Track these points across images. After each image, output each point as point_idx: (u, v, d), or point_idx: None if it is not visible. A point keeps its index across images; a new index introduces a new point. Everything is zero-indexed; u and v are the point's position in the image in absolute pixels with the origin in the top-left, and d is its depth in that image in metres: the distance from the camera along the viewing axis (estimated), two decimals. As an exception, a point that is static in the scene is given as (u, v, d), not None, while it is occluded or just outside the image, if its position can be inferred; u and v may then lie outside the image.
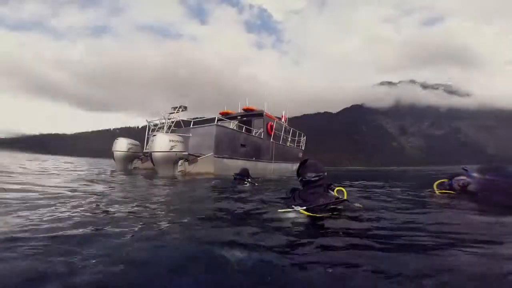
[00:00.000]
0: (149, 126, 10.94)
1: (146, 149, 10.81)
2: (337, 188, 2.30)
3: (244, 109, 13.47)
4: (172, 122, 10.34)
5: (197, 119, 9.97)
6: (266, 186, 4.96)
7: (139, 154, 11.15)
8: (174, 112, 10.81)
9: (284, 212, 1.97)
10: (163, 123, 10.67)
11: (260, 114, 12.79)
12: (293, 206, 2.00)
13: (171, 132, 9.63)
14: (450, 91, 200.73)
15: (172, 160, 7.91)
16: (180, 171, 7.95)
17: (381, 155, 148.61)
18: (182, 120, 10.67)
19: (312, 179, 2.23)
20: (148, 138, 10.82)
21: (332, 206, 2.03)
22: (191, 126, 10.03)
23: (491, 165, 2.70)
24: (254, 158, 11.13)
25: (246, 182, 4.64)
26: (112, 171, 8.75)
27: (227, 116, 13.49)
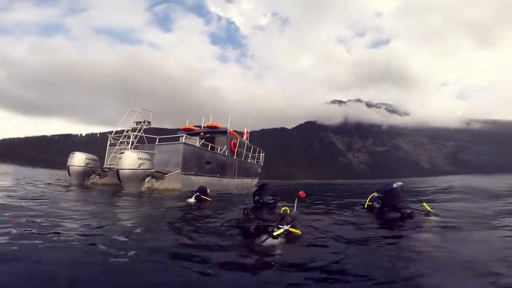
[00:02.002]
0: (110, 140, 10.70)
1: (106, 164, 10.51)
2: (283, 208, 2.67)
3: (208, 126, 13.88)
4: (136, 137, 10.31)
5: (163, 137, 10.17)
6: (215, 205, 5.17)
7: (97, 169, 10.73)
8: (137, 127, 10.78)
9: (278, 233, 2.13)
10: (125, 137, 10.56)
11: (224, 132, 13.36)
12: (279, 226, 2.20)
13: (134, 148, 9.62)
14: (391, 110, 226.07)
15: (139, 177, 7.98)
16: (147, 187, 8.04)
17: (332, 169, 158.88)
18: (146, 136, 10.71)
19: (269, 201, 2.44)
20: (109, 153, 10.56)
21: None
22: (157, 143, 10.15)
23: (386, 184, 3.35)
24: (218, 175, 11.58)
25: (193, 197, 5.14)
26: (66, 186, 8.40)
27: (189, 132, 13.71)
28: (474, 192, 7.46)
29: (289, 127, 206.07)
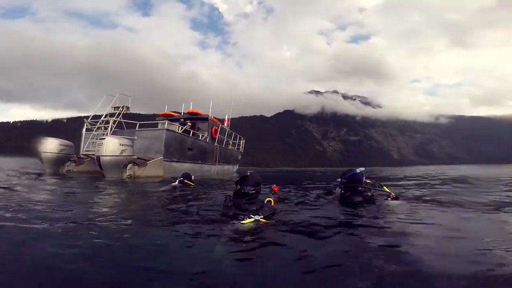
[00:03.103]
0: (86, 125, 10.27)
1: (83, 150, 10.13)
2: (267, 199, 2.69)
3: (188, 112, 13.73)
4: (114, 122, 9.99)
5: (143, 123, 9.98)
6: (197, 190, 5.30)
7: (72, 155, 10.30)
8: (115, 112, 10.42)
9: (247, 222, 2.18)
10: (103, 122, 10.20)
11: (205, 118, 13.32)
12: (251, 216, 2.25)
13: (112, 134, 9.36)
14: (365, 102, 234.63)
15: (121, 164, 7.84)
16: (129, 175, 7.94)
17: (307, 156, 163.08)
18: (125, 122, 10.43)
19: (250, 192, 2.47)
20: (85, 139, 10.16)
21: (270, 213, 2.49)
22: (137, 128, 9.94)
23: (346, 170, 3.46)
24: (200, 161, 11.65)
25: (176, 182, 5.32)
26: (39, 175, 8.03)
27: (169, 118, 13.48)
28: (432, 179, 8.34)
29: (268, 115, 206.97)
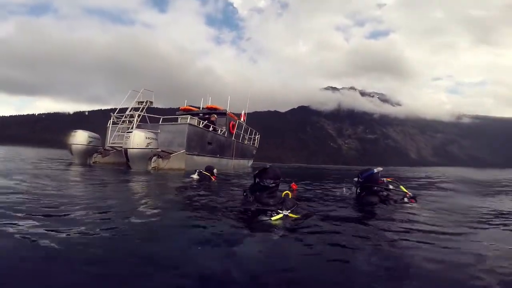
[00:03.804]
0: (112, 119, 10.79)
1: (109, 143, 10.65)
2: (284, 192, 2.63)
3: (207, 107, 14.06)
4: (139, 116, 10.43)
5: (166, 117, 10.39)
6: (220, 184, 5.53)
7: (99, 147, 10.86)
8: (139, 107, 10.87)
9: (276, 218, 2.16)
10: (127, 116, 10.66)
11: (223, 113, 13.59)
12: (278, 211, 2.24)
13: (136, 128, 9.79)
14: (384, 99, 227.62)
15: (147, 157, 8.24)
16: (153, 167, 8.33)
17: (322, 154, 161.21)
18: (148, 116, 10.87)
19: (270, 185, 2.42)
20: (112, 132, 10.67)
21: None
22: (160, 122, 10.35)
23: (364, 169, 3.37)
24: (218, 155, 11.96)
25: (196, 174, 5.57)
26: (69, 165, 8.57)
27: (190, 112, 13.85)
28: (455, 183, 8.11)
29: (283, 110, 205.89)
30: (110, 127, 10.83)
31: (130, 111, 10.62)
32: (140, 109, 10.68)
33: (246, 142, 16.55)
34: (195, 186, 4.92)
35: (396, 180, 3.71)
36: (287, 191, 2.68)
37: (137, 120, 10.22)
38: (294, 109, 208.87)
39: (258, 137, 18.88)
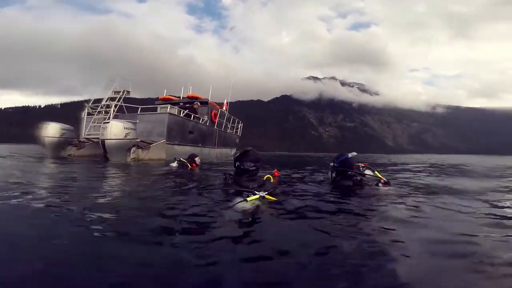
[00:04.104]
0: (87, 110, 10.30)
1: (84, 134, 10.21)
2: (266, 176, 2.64)
3: (188, 97, 13.76)
4: (115, 106, 10.03)
5: (145, 106, 10.05)
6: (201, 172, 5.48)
7: (73, 139, 10.37)
8: (116, 97, 10.43)
9: (252, 199, 2.05)
10: (103, 106, 10.23)
11: (205, 102, 13.37)
12: (255, 192, 2.14)
13: (114, 118, 9.43)
14: (363, 89, 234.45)
15: (125, 147, 7.97)
16: (132, 158, 8.09)
17: (303, 142, 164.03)
18: (126, 106, 10.49)
19: (250, 168, 2.40)
20: (87, 123, 10.21)
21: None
22: (138, 112, 10.01)
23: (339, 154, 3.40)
24: (200, 144, 11.82)
25: (175, 162, 5.61)
26: (40, 159, 8.13)
27: (170, 102, 13.48)
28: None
29: (266, 99, 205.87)
30: (85, 118, 10.35)
31: (106, 101, 10.18)
32: (117, 99, 10.27)
33: (228, 131, 16.44)
34: (173, 174, 4.85)
35: (370, 165, 3.82)
36: (268, 175, 2.70)
37: (114, 110, 9.83)
38: (276, 98, 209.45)
39: (241, 126, 18.82)
